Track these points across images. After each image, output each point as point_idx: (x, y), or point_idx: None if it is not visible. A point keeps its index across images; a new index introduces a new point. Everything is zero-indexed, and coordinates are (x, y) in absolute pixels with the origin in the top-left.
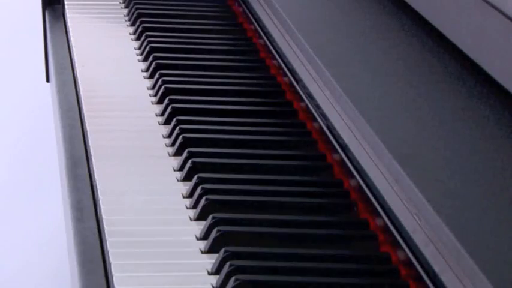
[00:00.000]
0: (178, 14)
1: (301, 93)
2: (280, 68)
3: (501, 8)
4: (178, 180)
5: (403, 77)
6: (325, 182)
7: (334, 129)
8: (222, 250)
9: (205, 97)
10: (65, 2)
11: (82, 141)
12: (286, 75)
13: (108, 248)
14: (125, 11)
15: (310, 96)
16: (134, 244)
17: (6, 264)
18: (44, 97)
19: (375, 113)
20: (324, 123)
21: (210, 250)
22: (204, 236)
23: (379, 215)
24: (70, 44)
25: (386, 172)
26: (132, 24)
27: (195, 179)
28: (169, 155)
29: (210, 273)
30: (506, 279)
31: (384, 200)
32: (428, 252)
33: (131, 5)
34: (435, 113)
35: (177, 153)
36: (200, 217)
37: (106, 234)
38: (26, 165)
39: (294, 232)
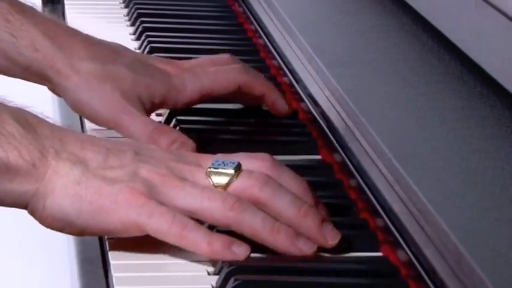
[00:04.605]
0: (178, 14)
1: (301, 94)
2: (280, 68)
3: (501, 8)
4: None
5: (403, 77)
6: (325, 182)
7: (334, 128)
8: None
9: None
10: (65, 2)
11: None
12: (286, 76)
13: (108, 248)
14: (125, 11)
15: (310, 97)
16: (134, 244)
17: (6, 264)
18: (43, 98)
19: (375, 113)
20: (323, 123)
21: None
22: None
23: (379, 215)
24: None
25: (386, 172)
26: (132, 24)
27: None
28: None
29: (210, 274)
30: (506, 279)
31: (384, 200)
32: (428, 252)
33: (131, 5)
34: (435, 113)
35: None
36: None
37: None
38: None
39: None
